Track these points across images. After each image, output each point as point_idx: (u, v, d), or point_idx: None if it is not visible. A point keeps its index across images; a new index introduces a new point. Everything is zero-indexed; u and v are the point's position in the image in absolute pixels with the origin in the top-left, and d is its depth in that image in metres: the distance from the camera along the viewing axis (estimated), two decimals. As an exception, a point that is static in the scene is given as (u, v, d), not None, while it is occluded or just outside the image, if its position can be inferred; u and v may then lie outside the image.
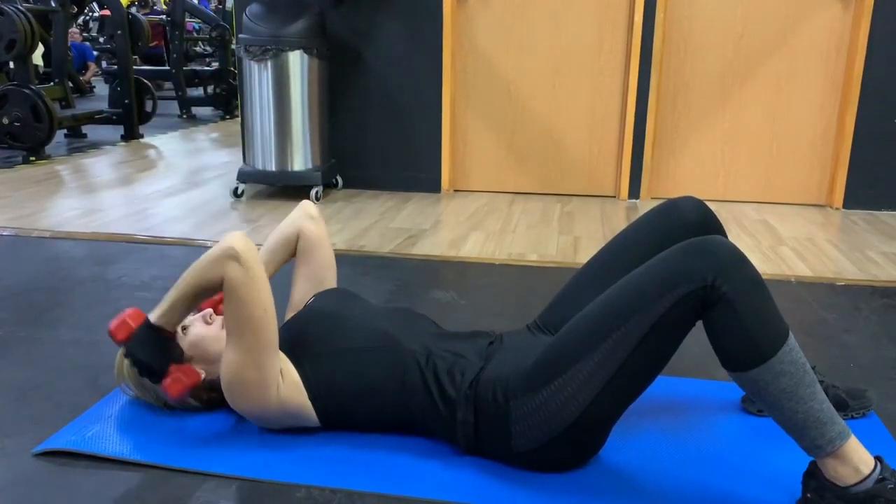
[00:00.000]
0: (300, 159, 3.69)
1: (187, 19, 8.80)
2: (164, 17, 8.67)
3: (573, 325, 1.32)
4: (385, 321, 1.53)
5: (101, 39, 8.08)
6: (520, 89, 3.92)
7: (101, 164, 4.73)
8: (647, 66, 3.70)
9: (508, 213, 3.58)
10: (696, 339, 1.33)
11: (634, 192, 3.88)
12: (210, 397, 1.55)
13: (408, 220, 3.38)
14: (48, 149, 4.95)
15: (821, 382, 1.55)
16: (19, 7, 4.67)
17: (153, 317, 1.44)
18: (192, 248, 2.89)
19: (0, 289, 2.38)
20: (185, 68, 7.58)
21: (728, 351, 1.22)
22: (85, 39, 10.91)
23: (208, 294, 1.42)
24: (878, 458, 1.21)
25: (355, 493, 1.33)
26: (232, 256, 1.36)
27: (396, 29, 3.82)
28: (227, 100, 7.57)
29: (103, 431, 1.50)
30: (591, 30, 3.80)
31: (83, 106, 6.50)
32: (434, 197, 3.90)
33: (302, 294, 1.76)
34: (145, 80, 6.24)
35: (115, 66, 6.07)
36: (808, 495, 1.25)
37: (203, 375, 1.51)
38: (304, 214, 1.78)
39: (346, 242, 2.99)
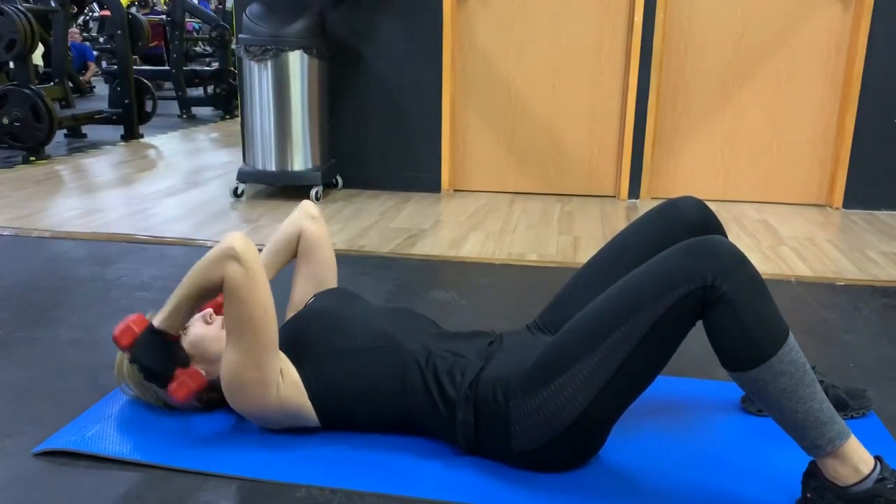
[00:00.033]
0: (300, 159, 3.69)
1: (187, 19, 8.80)
2: (164, 17, 8.68)
3: (573, 326, 1.32)
4: (385, 321, 1.54)
5: (101, 39, 8.08)
6: (520, 89, 3.92)
7: (101, 164, 4.73)
8: (647, 66, 3.70)
9: (508, 213, 3.58)
10: (696, 339, 1.33)
11: (634, 192, 3.88)
12: (210, 397, 1.55)
13: (408, 220, 3.38)
14: (48, 149, 4.95)
15: (821, 382, 1.55)
16: (19, 7, 4.67)
17: (156, 321, 1.45)
18: (192, 248, 2.89)
19: (0, 289, 2.38)
20: (185, 68, 7.58)
21: (728, 351, 1.22)
22: (85, 39, 10.91)
23: (210, 295, 1.42)
24: (877, 458, 1.21)
25: (355, 493, 1.33)
26: (232, 256, 1.36)
27: (396, 29, 3.82)
28: (227, 100, 7.57)
29: (103, 431, 1.50)
30: (591, 30, 3.80)
31: (83, 106, 6.50)
32: (434, 197, 3.90)
33: (302, 294, 1.76)
34: (145, 80, 6.24)
35: (115, 66, 6.07)
36: (808, 495, 1.25)
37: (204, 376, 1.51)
38: (305, 214, 1.78)
39: (346, 242, 2.99)
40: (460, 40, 3.91)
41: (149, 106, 6.28)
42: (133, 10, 7.57)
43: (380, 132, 3.96)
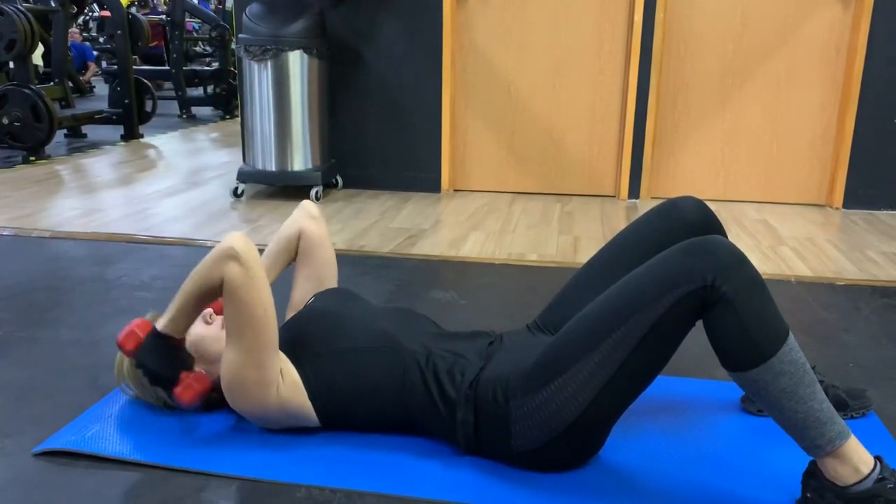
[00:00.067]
0: (300, 159, 3.69)
1: (187, 19, 8.80)
2: (163, 17, 8.67)
3: (573, 326, 1.32)
4: (385, 321, 1.54)
5: (101, 39, 8.07)
6: (520, 89, 3.92)
7: (101, 164, 4.73)
8: (647, 66, 3.70)
9: (508, 212, 3.58)
10: (696, 339, 1.33)
11: (634, 191, 3.88)
12: (210, 397, 1.55)
13: (408, 220, 3.38)
14: (48, 149, 4.95)
15: (821, 382, 1.55)
16: (19, 7, 4.67)
17: (160, 325, 1.44)
18: (192, 248, 2.89)
19: (0, 289, 2.38)
20: (185, 68, 7.58)
21: (728, 351, 1.22)
22: (85, 39, 10.92)
23: (212, 296, 1.42)
24: (877, 458, 1.21)
25: (355, 493, 1.33)
26: (231, 256, 1.36)
27: (396, 29, 3.82)
28: (227, 100, 7.57)
29: (103, 431, 1.50)
30: (591, 30, 3.80)
31: (83, 106, 6.50)
32: (434, 197, 3.90)
33: (302, 293, 1.76)
34: (145, 80, 6.24)
35: (115, 66, 6.07)
36: (808, 495, 1.25)
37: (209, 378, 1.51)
38: (305, 214, 1.78)
39: (346, 242, 2.99)
40: (460, 40, 3.91)
41: (149, 106, 6.28)
42: (133, 10, 7.57)
43: (380, 132, 3.96)
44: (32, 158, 4.75)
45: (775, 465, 1.43)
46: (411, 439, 1.48)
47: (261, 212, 3.51)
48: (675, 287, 1.21)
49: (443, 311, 2.23)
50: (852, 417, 1.58)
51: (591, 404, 1.27)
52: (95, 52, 10.12)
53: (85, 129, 5.95)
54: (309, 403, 1.45)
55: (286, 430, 1.50)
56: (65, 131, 5.81)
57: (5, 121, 4.67)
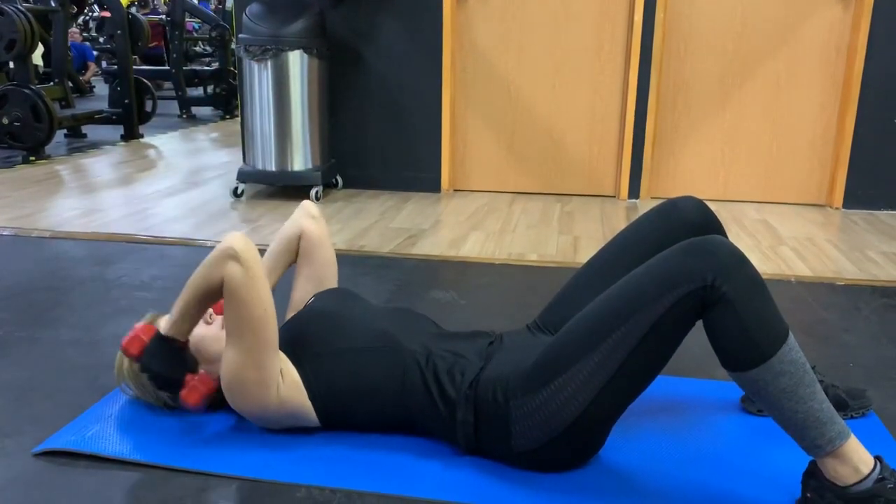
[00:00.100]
0: (300, 159, 3.69)
1: (187, 19, 8.80)
2: (163, 17, 8.67)
3: (573, 325, 1.32)
4: (385, 321, 1.54)
5: (101, 39, 8.08)
6: (520, 89, 3.92)
7: (101, 164, 4.73)
8: (646, 66, 3.70)
9: (508, 212, 3.58)
10: (696, 339, 1.33)
11: (634, 191, 3.88)
12: (213, 397, 1.55)
13: (408, 220, 3.38)
14: (48, 149, 4.95)
15: (821, 382, 1.55)
16: (19, 7, 4.67)
17: (164, 328, 1.45)
18: (192, 248, 2.89)
19: (0, 289, 2.38)
20: (185, 68, 7.59)
21: (728, 351, 1.22)
22: (85, 39, 10.92)
23: (214, 297, 1.42)
24: (877, 458, 1.21)
25: (355, 492, 1.33)
26: (231, 256, 1.36)
27: (396, 29, 3.82)
28: (227, 100, 7.57)
29: (103, 431, 1.50)
30: (591, 30, 3.80)
31: (83, 106, 6.50)
32: (434, 197, 3.90)
33: (303, 293, 1.76)
34: (145, 80, 6.24)
35: (115, 66, 6.07)
36: (808, 495, 1.25)
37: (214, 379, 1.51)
38: (305, 214, 1.78)
39: (346, 242, 2.99)
40: (460, 40, 3.91)
41: (149, 106, 6.28)
42: (133, 9, 7.57)
43: (380, 132, 3.96)
44: (32, 158, 4.75)
45: (775, 465, 1.43)
46: (411, 439, 1.48)
47: (261, 212, 3.51)
48: (675, 287, 1.21)
49: (443, 311, 2.23)
50: (852, 417, 1.58)
51: (591, 404, 1.27)
52: (95, 52, 10.12)
53: (85, 129, 5.95)
54: (309, 403, 1.45)
55: (286, 430, 1.50)
56: (65, 131, 5.81)
57: (5, 121, 4.67)
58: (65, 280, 2.48)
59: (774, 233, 3.27)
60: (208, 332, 1.54)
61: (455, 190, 4.06)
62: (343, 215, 3.46)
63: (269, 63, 3.54)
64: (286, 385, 1.44)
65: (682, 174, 3.90)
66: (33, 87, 4.74)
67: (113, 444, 1.46)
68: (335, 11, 3.83)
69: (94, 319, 2.14)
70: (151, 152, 5.29)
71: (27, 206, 3.54)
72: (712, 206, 1.65)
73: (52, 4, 5.40)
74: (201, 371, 1.51)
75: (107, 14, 6.52)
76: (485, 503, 1.30)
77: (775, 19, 3.67)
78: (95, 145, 5.49)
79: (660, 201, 1.60)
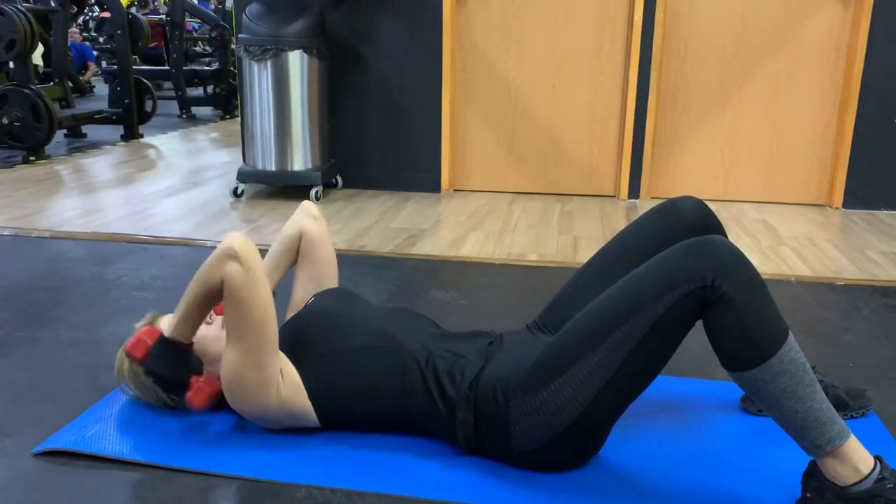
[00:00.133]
0: (300, 159, 3.69)
1: (187, 19, 8.80)
2: (163, 17, 8.67)
3: (573, 325, 1.32)
4: (385, 321, 1.54)
5: (101, 39, 8.08)
6: (520, 89, 3.92)
7: (101, 164, 4.73)
8: (646, 66, 3.70)
9: (508, 212, 3.58)
10: (696, 339, 1.33)
11: (634, 191, 3.88)
12: (216, 398, 1.55)
13: (408, 220, 3.38)
14: (48, 149, 4.95)
15: (820, 382, 1.55)
16: (19, 7, 4.67)
17: (167, 331, 1.45)
18: (192, 248, 2.89)
19: (0, 289, 2.38)
20: (184, 68, 7.59)
21: (728, 351, 1.22)
22: (85, 39, 10.92)
23: (216, 298, 1.41)
24: (877, 458, 1.21)
25: (355, 492, 1.33)
26: (231, 256, 1.36)
27: (396, 29, 3.82)
28: (227, 100, 7.57)
29: (103, 431, 1.50)
30: (591, 29, 3.80)
31: (83, 106, 6.50)
32: (434, 197, 3.90)
33: (303, 293, 1.76)
34: (145, 80, 6.24)
35: (115, 66, 6.07)
36: (808, 495, 1.25)
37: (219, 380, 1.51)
38: (306, 214, 1.78)
39: (346, 242, 2.99)
40: (460, 40, 3.91)
41: (149, 106, 6.28)
42: (133, 9, 7.57)
43: (380, 132, 3.96)
44: (32, 158, 4.75)
45: (775, 465, 1.43)
46: (411, 439, 1.48)
47: (261, 212, 3.51)
48: (675, 287, 1.21)
49: (443, 311, 2.23)
50: (852, 417, 1.58)
51: (591, 404, 1.27)
52: (95, 52, 10.12)
53: (85, 129, 5.95)
54: (309, 403, 1.45)
55: (286, 430, 1.50)
56: (65, 131, 5.81)
57: (5, 121, 4.67)
58: (65, 280, 2.48)
59: (774, 233, 3.27)
60: (208, 333, 1.54)
61: (455, 190, 4.06)
62: (343, 215, 3.46)
63: (269, 63, 3.54)
64: (286, 385, 1.44)
65: (682, 174, 3.90)
66: (33, 87, 4.74)
67: (113, 444, 1.46)
68: (335, 11, 3.83)
69: (94, 319, 2.14)
70: (151, 152, 5.29)
71: (27, 206, 3.54)
72: (712, 206, 1.65)
73: (52, 4, 5.40)
74: (206, 372, 1.51)
75: (107, 14, 6.52)
76: (485, 503, 1.30)
77: (775, 19, 3.67)
78: (95, 145, 5.49)
79: (660, 201, 1.60)
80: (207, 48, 10.35)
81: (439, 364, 1.43)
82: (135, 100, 5.83)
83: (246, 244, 1.38)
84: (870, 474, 1.19)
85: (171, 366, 1.45)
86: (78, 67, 9.45)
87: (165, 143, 5.71)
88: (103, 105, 6.35)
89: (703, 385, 1.76)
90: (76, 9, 6.30)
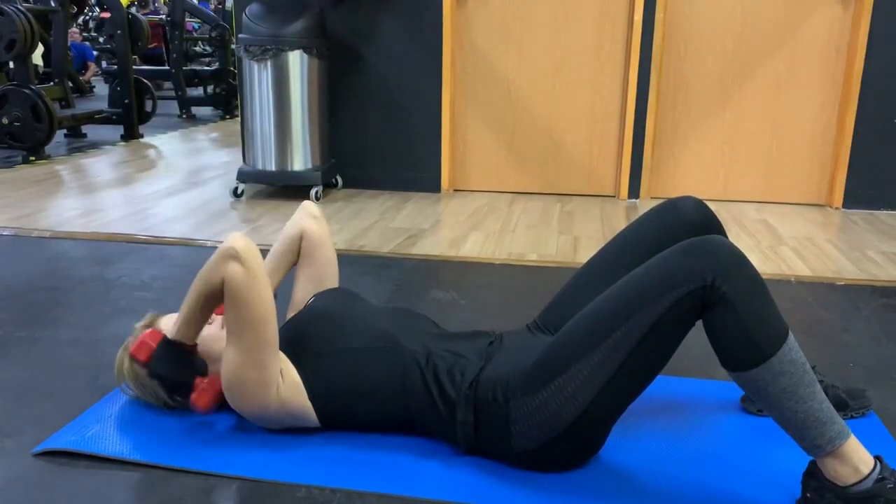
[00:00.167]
0: (300, 159, 3.69)
1: (187, 19, 8.80)
2: (163, 17, 8.66)
3: (573, 325, 1.32)
4: (385, 321, 1.54)
5: (101, 39, 8.08)
6: (520, 89, 3.92)
7: (101, 164, 4.73)
8: (646, 66, 3.70)
9: (508, 212, 3.58)
10: (696, 339, 1.33)
11: (634, 191, 3.88)
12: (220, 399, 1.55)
13: (408, 220, 3.38)
14: (48, 149, 4.95)
15: (820, 382, 1.55)
16: (19, 7, 4.67)
17: (171, 333, 1.44)
18: (192, 248, 2.89)
19: (0, 289, 2.38)
20: (184, 68, 7.59)
21: (728, 351, 1.22)
22: (85, 39, 10.92)
23: (218, 298, 1.41)
24: (877, 458, 1.21)
25: (355, 492, 1.33)
26: (232, 256, 1.36)
27: (396, 29, 3.82)
28: (227, 100, 7.57)
29: (103, 431, 1.50)
30: (591, 29, 3.80)
31: (83, 106, 6.50)
32: (434, 197, 3.90)
33: (303, 293, 1.76)
34: (145, 80, 6.24)
35: (115, 66, 6.07)
36: (808, 495, 1.25)
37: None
38: (306, 214, 1.78)
39: (345, 242, 2.99)
40: (460, 40, 3.91)
41: (149, 106, 6.28)
42: (133, 9, 7.57)
43: (380, 132, 3.96)
44: (32, 158, 4.75)
45: (775, 465, 1.43)
46: (411, 439, 1.48)
47: (261, 212, 3.51)
48: (675, 287, 1.21)
49: (443, 311, 2.23)
50: (852, 417, 1.58)
51: (591, 404, 1.27)
52: (95, 52, 10.12)
53: (85, 129, 5.95)
54: (309, 404, 1.45)
55: (286, 430, 1.50)
56: (65, 131, 5.81)
57: (5, 121, 4.67)
58: (65, 280, 2.48)
59: (774, 233, 3.27)
60: (209, 332, 1.54)
61: (455, 190, 4.06)
62: (343, 215, 3.46)
63: (269, 63, 3.54)
64: (286, 385, 1.44)
65: (682, 174, 3.90)
66: (33, 87, 4.74)
67: (113, 444, 1.46)
68: (335, 11, 3.83)
69: (94, 319, 2.14)
70: (151, 152, 5.29)
71: (27, 206, 3.54)
72: (712, 206, 1.65)
73: (52, 4, 5.40)
74: (211, 373, 1.50)
75: (107, 14, 6.52)
76: (485, 503, 1.30)
77: (775, 19, 3.67)
78: (95, 145, 5.49)
79: (660, 201, 1.60)
80: (207, 48, 10.35)
81: (439, 364, 1.43)
82: (135, 100, 5.83)
83: (247, 244, 1.38)
84: (870, 474, 1.19)
85: (176, 368, 1.45)
86: (78, 67, 9.45)
87: (165, 143, 5.71)
88: (103, 105, 6.35)
89: (703, 385, 1.76)
90: (76, 9, 6.30)
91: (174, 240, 2.99)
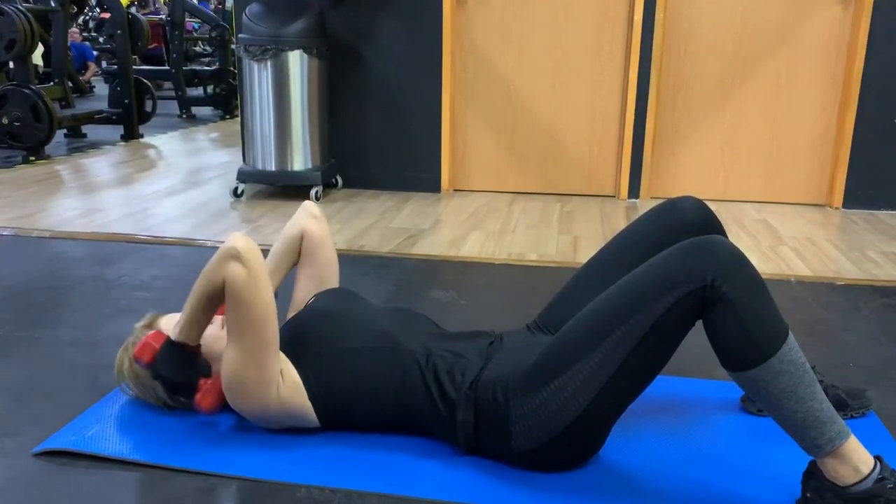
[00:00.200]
0: (300, 159, 3.69)
1: (187, 19, 8.80)
2: (163, 17, 8.66)
3: (573, 325, 1.32)
4: (385, 321, 1.54)
5: (101, 39, 8.08)
6: (520, 89, 3.92)
7: (101, 164, 4.73)
8: (646, 66, 3.70)
9: (508, 212, 3.58)
10: (696, 339, 1.33)
11: (634, 191, 3.88)
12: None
13: (408, 220, 3.38)
14: (48, 149, 4.95)
15: (820, 382, 1.55)
16: (19, 7, 4.67)
17: (174, 334, 1.44)
18: (192, 248, 2.89)
19: (0, 289, 2.38)
20: (184, 68, 7.59)
21: (728, 351, 1.22)
22: (85, 39, 10.92)
23: (220, 298, 1.40)
24: (877, 458, 1.21)
25: (355, 492, 1.33)
26: (234, 256, 1.36)
27: (396, 29, 3.82)
28: (227, 100, 7.57)
29: (103, 431, 1.50)
30: (591, 29, 3.80)
31: (83, 106, 6.50)
32: (434, 197, 3.90)
33: (304, 293, 1.76)
34: (145, 80, 6.24)
35: (115, 66, 6.08)
36: (808, 495, 1.25)
37: None
38: (307, 214, 1.78)
39: (346, 242, 2.99)
40: (460, 40, 3.91)
41: (149, 106, 6.28)
42: (133, 9, 7.57)
43: (380, 132, 3.96)
44: (32, 158, 4.75)
45: (775, 465, 1.43)
46: (411, 439, 1.48)
47: (261, 212, 3.51)
48: (675, 287, 1.21)
49: (443, 311, 2.23)
50: (852, 417, 1.58)
51: (591, 404, 1.27)
52: (95, 52, 10.12)
53: (85, 129, 5.95)
54: (309, 404, 1.45)
55: (286, 430, 1.50)
56: (65, 131, 5.81)
57: (5, 121, 4.67)
58: (65, 280, 2.48)
59: (774, 233, 3.27)
60: (209, 332, 1.53)
61: (455, 190, 4.06)
62: (343, 215, 3.46)
63: (269, 63, 3.54)
64: (286, 385, 1.44)
65: (682, 174, 3.90)
66: (33, 87, 4.74)
67: (113, 444, 1.46)
68: (335, 11, 3.83)
69: (94, 319, 2.14)
70: (151, 152, 5.29)
71: (27, 206, 3.54)
72: (712, 206, 1.65)
73: (52, 4, 5.40)
74: (215, 374, 1.50)
75: (107, 14, 6.52)
76: (485, 503, 1.30)
77: (775, 19, 3.67)
78: (95, 145, 5.49)
79: (660, 201, 1.60)
80: (207, 48, 10.35)
81: (439, 364, 1.43)
82: (135, 100, 5.83)
83: (248, 244, 1.38)
84: (870, 474, 1.19)
85: (180, 369, 1.44)
86: (78, 67, 9.45)
87: (165, 143, 5.71)
88: (103, 105, 6.35)
89: (703, 385, 1.76)
90: (76, 9, 6.30)
91: (174, 240, 2.99)
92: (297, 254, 1.78)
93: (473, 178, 4.06)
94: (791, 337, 1.21)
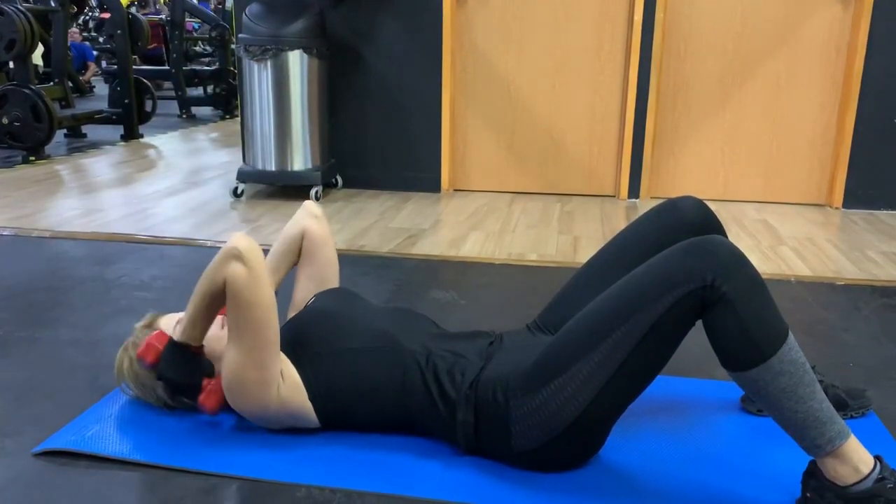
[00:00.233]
0: (300, 159, 3.69)
1: (187, 19, 8.80)
2: (163, 17, 8.66)
3: (573, 325, 1.32)
4: (385, 321, 1.54)
5: (101, 39, 8.08)
6: (520, 89, 3.92)
7: (101, 164, 4.73)
8: (646, 66, 3.70)
9: (508, 212, 3.58)
10: (696, 339, 1.33)
11: (634, 191, 3.88)
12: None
13: (407, 220, 3.38)
14: (48, 149, 4.95)
15: (820, 382, 1.55)
16: (19, 7, 4.67)
17: (177, 335, 1.44)
18: (192, 248, 2.89)
19: (0, 289, 2.38)
20: (184, 68, 7.59)
21: (728, 351, 1.22)
22: (85, 39, 10.91)
23: (222, 298, 1.40)
24: (877, 458, 1.21)
25: (355, 492, 1.33)
26: (235, 256, 1.36)
27: (396, 29, 3.82)
28: (227, 100, 7.57)
29: (103, 431, 1.50)
30: (591, 29, 3.80)
31: (83, 106, 6.50)
32: (434, 197, 3.90)
33: (304, 293, 1.76)
34: (145, 80, 6.24)
35: (115, 66, 6.08)
36: (808, 495, 1.25)
37: None
38: (308, 214, 1.78)
39: (345, 242, 2.99)
40: (460, 40, 3.91)
41: (149, 106, 6.28)
42: (133, 10, 7.57)
43: (380, 132, 3.96)
44: (32, 158, 4.75)
45: (775, 465, 1.43)
46: (411, 439, 1.48)
47: (261, 212, 3.51)
48: (675, 287, 1.21)
49: (443, 311, 2.23)
50: (852, 417, 1.58)
51: (591, 404, 1.27)
52: (95, 52, 10.12)
53: (85, 129, 5.95)
54: (309, 404, 1.45)
55: (286, 430, 1.50)
56: (65, 131, 5.81)
57: (5, 121, 4.67)
58: (65, 280, 2.48)
59: (774, 233, 3.27)
60: (210, 332, 1.53)
61: (455, 190, 4.06)
62: (343, 215, 3.46)
63: (269, 63, 3.54)
64: (286, 385, 1.44)
65: (682, 174, 3.90)
66: (33, 87, 4.74)
67: (113, 444, 1.46)
68: (335, 11, 3.83)
69: (94, 319, 2.14)
70: (151, 152, 5.29)
71: (27, 206, 3.54)
72: (712, 206, 1.65)
73: (52, 4, 5.40)
74: (218, 374, 1.50)
75: (107, 14, 6.52)
76: (485, 503, 1.30)
77: (775, 19, 3.67)
78: (95, 145, 5.49)
79: (660, 201, 1.60)
80: (207, 48, 10.35)
81: (439, 364, 1.43)
82: (135, 100, 5.83)
83: (250, 244, 1.38)
84: (870, 474, 1.19)
85: (184, 370, 1.45)
86: (78, 67, 9.45)
87: (165, 143, 5.71)
88: (103, 105, 6.35)
89: (703, 385, 1.76)
90: (76, 9, 6.30)
91: (174, 240, 2.99)
92: (298, 254, 1.78)
93: (473, 178, 4.06)
94: (791, 337, 1.21)
